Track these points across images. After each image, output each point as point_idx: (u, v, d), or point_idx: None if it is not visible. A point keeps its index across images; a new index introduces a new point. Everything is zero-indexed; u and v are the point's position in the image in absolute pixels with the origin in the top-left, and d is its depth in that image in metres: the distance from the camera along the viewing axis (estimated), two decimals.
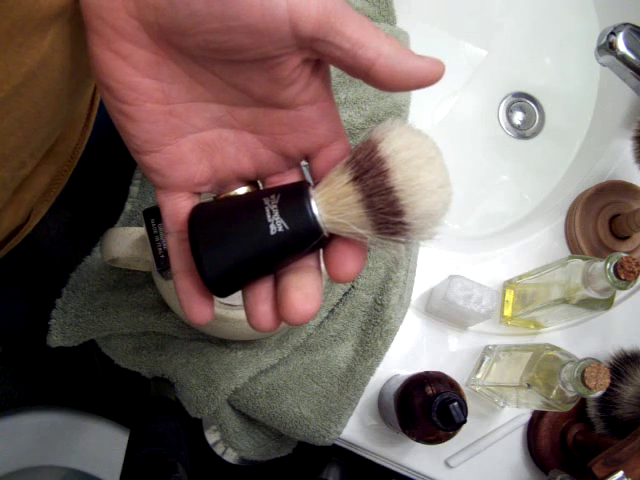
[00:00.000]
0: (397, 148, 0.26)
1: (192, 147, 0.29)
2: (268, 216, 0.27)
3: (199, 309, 0.29)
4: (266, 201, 0.28)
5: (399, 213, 0.26)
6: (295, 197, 0.28)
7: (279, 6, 0.24)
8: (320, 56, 0.26)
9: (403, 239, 0.27)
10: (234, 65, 0.27)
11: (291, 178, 0.31)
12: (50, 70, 0.32)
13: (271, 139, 0.29)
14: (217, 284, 0.28)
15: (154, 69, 0.27)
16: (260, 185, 0.32)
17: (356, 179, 0.27)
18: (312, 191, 0.28)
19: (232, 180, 0.31)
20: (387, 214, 0.26)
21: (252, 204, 0.28)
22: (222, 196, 0.31)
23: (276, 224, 0.27)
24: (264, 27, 0.25)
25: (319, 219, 0.27)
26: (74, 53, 0.33)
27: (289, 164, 0.31)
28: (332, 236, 0.28)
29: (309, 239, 0.27)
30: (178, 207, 0.30)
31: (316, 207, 0.27)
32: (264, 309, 0.29)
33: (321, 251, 0.29)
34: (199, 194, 0.31)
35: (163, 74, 0.27)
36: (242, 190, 0.31)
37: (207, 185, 0.30)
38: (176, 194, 0.30)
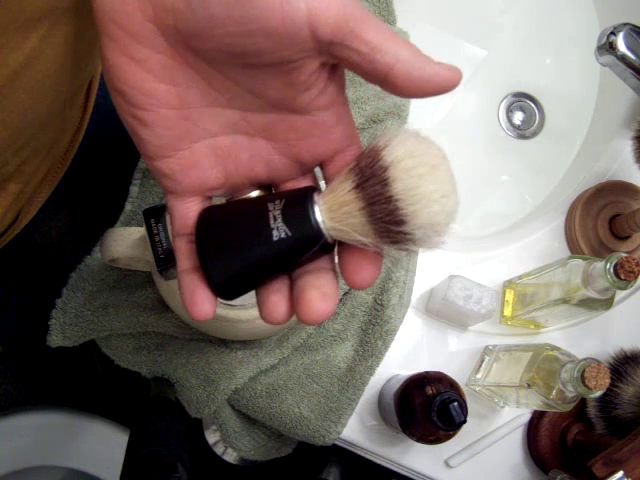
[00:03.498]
0: (399, 156, 0.26)
1: (206, 152, 0.29)
2: (272, 222, 0.27)
3: (201, 306, 0.29)
4: (270, 206, 0.28)
5: (399, 222, 0.26)
6: (299, 203, 0.27)
7: (299, 10, 0.24)
8: (338, 60, 0.26)
9: (406, 248, 0.26)
10: (251, 69, 0.27)
11: (305, 184, 0.31)
12: (34, 72, 0.32)
13: (285, 146, 0.29)
14: (223, 287, 0.28)
15: (169, 74, 0.27)
16: (273, 190, 0.32)
17: (358, 187, 0.26)
18: (316, 197, 0.27)
19: (245, 185, 0.31)
20: (388, 223, 0.26)
21: (257, 209, 0.28)
22: (233, 200, 0.31)
23: (279, 230, 0.27)
24: (283, 30, 0.24)
25: (322, 226, 0.27)
26: (62, 56, 0.33)
27: (303, 170, 0.30)
28: (344, 243, 0.28)
29: (311, 246, 0.27)
30: (189, 211, 0.30)
31: (319, 214, 0.27)
32: (275, 298, 0.28)
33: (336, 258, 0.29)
34: (210, 198, 0.31)
35: (178, 79, 0.27)
36: (255, 194, 0.31)
37: (219, 190, 0.30)
38: (187, 198, 0.30)
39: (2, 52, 0.28)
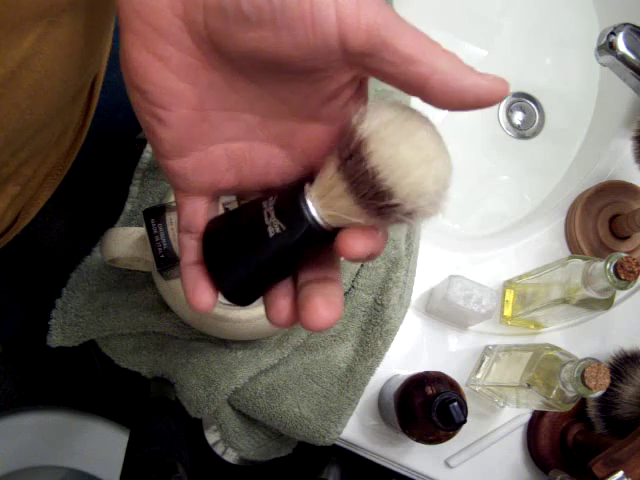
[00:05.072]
0: (375, 128, 0.24)
1: (221, 155, 0.29)
2: (266, 219, 0.27)
3: (202, 296, 0.29)
4: (264, 204, 0.28)
5: (384, 196, 0.24)
6: (289, 196, 0.27)
7: (329, 17, 0.23)
8: (371, 72, 0.25)
9: (401, 221, 0.25)
10: (277, 74, 0.26)
11: None
12: (32, 72, 0.31)
13: (302, 156, 0.29)
14: (235, 294, 0.29)
15: (192, 74, 0.26)
16: None
17: (339, 168, 0.25)
18: (307, 187, 0.27)
19: (257, 191, 0.30)
20: (374, 198, 0.24)
21: (252, 210, 0.28)
22: (242, 202, 0.31)
23: (273, 226, 0.27)
24: (312, 39, 0.23)
25: (314, 214, 0.26)
26: (62, 56, 0.33)
27: None
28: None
29: (306, 235, 0.27)
30: (198, 209, 0.30)
31: (309, 202, 0.26)
32: (284, 302, 0.28)
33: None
34: (219, 197, 0.31)
35: (200, 79, 0.26)
36: None
37: (230, 192, 0.30)
38: (197, 197, 0.29)
39: None
